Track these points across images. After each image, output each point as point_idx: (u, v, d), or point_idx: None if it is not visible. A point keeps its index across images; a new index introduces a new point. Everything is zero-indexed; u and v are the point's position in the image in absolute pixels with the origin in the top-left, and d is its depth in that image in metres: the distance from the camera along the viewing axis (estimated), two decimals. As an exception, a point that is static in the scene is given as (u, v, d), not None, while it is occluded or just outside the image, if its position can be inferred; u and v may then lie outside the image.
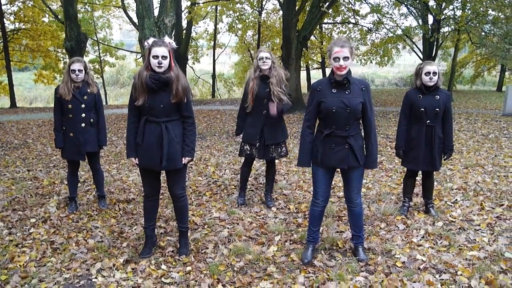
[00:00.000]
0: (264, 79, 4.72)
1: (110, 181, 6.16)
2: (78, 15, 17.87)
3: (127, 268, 3.50)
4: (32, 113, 16.50)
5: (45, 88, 28.66)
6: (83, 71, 4.58)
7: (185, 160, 3.57)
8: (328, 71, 28.80)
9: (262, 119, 4.75)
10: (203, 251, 3.83)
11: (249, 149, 4.87)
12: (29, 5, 20.84)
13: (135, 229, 4.33)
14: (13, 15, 21.09)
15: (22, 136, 10.71)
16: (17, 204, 5.11)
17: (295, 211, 4.88)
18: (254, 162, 7.07)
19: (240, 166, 5.23)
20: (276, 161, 7.29)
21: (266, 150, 4.82)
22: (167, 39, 3.48)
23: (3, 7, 19.51)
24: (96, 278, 3.36)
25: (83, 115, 4.61)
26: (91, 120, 4.67)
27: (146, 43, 3.42)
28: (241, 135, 4.93)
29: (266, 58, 4.66)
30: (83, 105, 4.60)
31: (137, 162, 3.56)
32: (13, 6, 20.88)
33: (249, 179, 6.18)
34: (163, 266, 3.52)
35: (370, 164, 3.48)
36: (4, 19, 19.64)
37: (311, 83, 28.64)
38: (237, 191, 5.37)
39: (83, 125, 4.62)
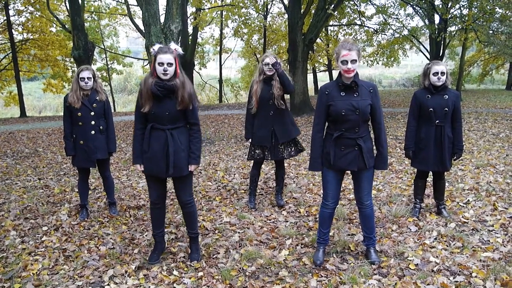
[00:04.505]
0: (268, 81, 4.78)
1: (120, 188, 6.19)
2: (85, 24, 18.04)
3: (139, 274, 3.51)
4: (42, 122, 16.65)
5: (54, 97, 28.95)
6: (92, 79, 4.61)
7: (191, 168, 3.56)
8: (334, 73, 28.77)
9: (271, 120, 4.80)
10: (214, 256, 3.83)
11: (260, 152, 4.90)
12: (37, 15, 21.12)
13: (146, 235, 4.34)
14: (21, 26, 21.37)
15: (33, 145, 10.80)
16: (29, 213, 5.15)
17: (306, 214, 4.86)
18: (263, 166, 7.11)
19: (250, 170, 5.24)
20: (285, 164, 7.29)
21: (276, 150, 4.85)
22: (173, 45, 3.46)
23: (11, 18, 19.77)
24: (108, 285, 3.37)
25: (93, 122, 4.64)
26: (101, 127, 4.70)
27: (152, 50, 3.42)
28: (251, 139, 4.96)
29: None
30: (92, 113, 4.63)
31: (142, 169, 3.57)
32: (21, 17, 21.20)
33: (258, 183, 6.17)
34: (175, 272, 3.52)
35: (380, 165, 3.50)
36: (13, 30, 19.89)
37: (318, 85, 28.74)
38: (247, 195, 5.36)
39: (93, 132, 4.65)
